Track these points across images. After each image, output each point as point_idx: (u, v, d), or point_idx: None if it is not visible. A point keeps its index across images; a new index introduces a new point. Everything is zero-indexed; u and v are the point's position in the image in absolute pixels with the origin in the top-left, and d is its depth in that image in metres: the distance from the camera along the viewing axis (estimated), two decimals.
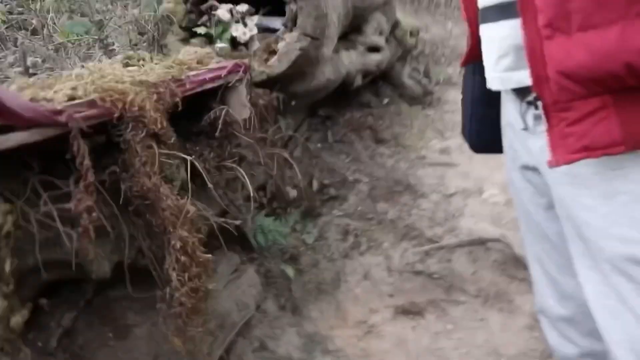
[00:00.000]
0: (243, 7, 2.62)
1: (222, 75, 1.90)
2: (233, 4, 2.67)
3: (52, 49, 2.55)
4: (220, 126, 1.81)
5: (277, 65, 2.52)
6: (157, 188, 1.44)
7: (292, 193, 2.93)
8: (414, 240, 2.86)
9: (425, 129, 3.94)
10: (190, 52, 2.24)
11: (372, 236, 2.92)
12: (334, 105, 3.89)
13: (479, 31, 1.11)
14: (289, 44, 2.53)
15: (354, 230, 2.95)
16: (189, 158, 1.52)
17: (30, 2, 4.17)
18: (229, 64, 2.03)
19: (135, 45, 2.70)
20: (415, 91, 4.37)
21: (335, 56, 3.38)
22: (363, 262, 2.76)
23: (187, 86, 1.70)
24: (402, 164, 3.51)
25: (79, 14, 4.74)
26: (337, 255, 2.81)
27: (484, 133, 1.32)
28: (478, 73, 1.20)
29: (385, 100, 4.12)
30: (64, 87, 1.45)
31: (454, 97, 4.45)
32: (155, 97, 1.51)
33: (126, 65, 2.11)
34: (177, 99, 1.56)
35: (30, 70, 2.44)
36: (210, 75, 1.86)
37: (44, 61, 2.50)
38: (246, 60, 2.23)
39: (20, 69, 2.36)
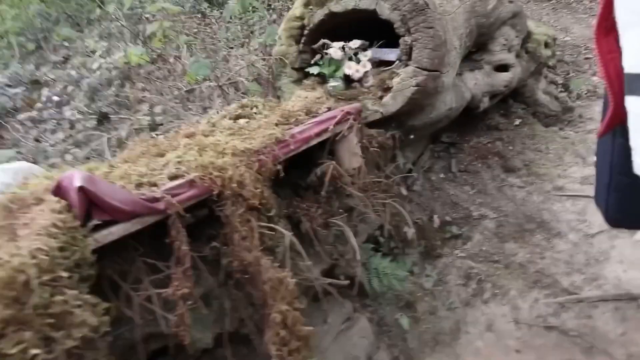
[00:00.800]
0: (355, 44, 2.52)
1: (330, 129, 1.82)
2: (346, 40, 2.59)
3: (176, 100, 2.68)
4: (327, 182, 1.72)
5: (391, 103, 2.39)
6: (257, 261, 1.39)
7: (410, 233, 2.76)
8: (547, 289, 2.52)
9: (564, 153, 3.50)
10: (301, 96, 2.21)
11: (498, 282, 2.64)
12: (458, 130, 3.64)
13: (622, 96, 0.90)
14: (403, 80, 2.39)
15: (478, 275, 2.69)
16: (288, 235, 1.45)
17: (167, 40, 4.52)
18: (338, 113, 1.94)
19: (251, 87, 2.74)
20: (552, 108, 3.93)
21: (458, 80, 3.15)
22: (487, 311, 2.50)
23: (292, 147, 1.64)
24: (535, 196, 3.15)
25: (209, 51, 5.05)
26: (458, 302, 2.59)
27: (627, 205, 1.08)
28: (620, 136, 0.99)
29: (517, 122, 3.75)
30: (172, 159, 1.47)
31: (600, 113, 3.91)
32: (256, 165, 1.46)
33: (237, 117, 2.13)
34: (279, 166, 1.51)
35: (159, 120, 2.61)
36: (317, 130, 1.78)
37: (172, 108, 2.64)
38: (358, 105, 2.13)
39: (148, 120, 2.53)
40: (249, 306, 1.50)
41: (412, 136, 2.89)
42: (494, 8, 3.24)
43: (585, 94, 4.21)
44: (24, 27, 8.08)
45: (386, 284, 2.56)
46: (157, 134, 2.39)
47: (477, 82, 3.39)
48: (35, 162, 3.49)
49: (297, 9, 2.53)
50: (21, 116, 4.38)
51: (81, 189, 1.04)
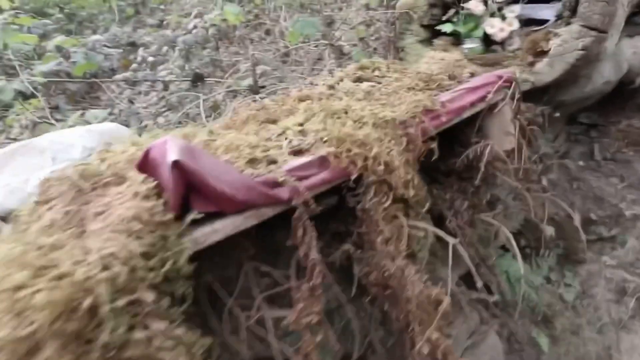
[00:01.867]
0: None
1: (487, 98, 1.38)
2: None
3: (280, 59, 2.33)
4: (482, 170, 1.30)
5: (547, 71, 1.89)
6: (402, 272, 1.02)
7: (549, 230, 2.27)
8: None
9: None
10: (435, 58, 1.78)
11: None
12: (600, 110, 3.03)
13: None
14: (565, 42, 1.88)
15: (635, 290, 2.17)
16: (451, 241, 1.05)
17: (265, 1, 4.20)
18: (493, 78, 1.49)
19: (369, 48, 2.33)
20: None
21: (615, 48, 2.56)
22: None
23: (443, 119, 1.23)
24: None
25: (308, 10, 4.67)
26: (609, 322, 2.10)
27: None
28: None
29: None
30: (290, 127, 1.12)
31: None
32: (404, 142, 1.07)
33: (358, 80, 1.74)
34: (433, 143, 1.11)
35: (259, 82, 2.29)
36: (471, 98, 1.36)
37: (274, 70, 2.30)
38: (512, 71, 1.67)
39: (250, 81, 2.21)
40: (380, 327, 1.13)
41: (557, 114, 2.37)
42: None
43: None
44: None
45: (518, 291, 2.11)
46: (260, 98, 2.07)
47: (637, 52, 2.76)
48: (127, 125, 3.33)
49: None
50: (117, 76, 4.27)
51: (177, 165, 0.71)
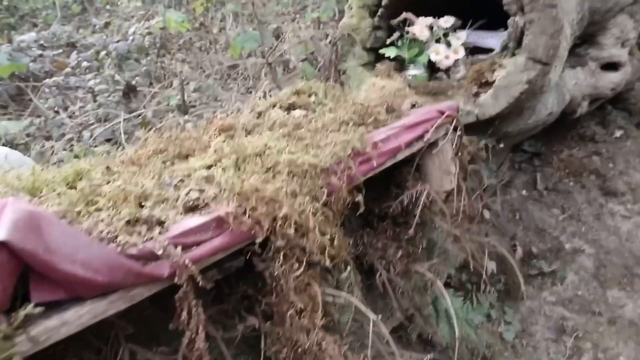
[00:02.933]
0: (448, 22, 1.95)
1: (426, 137, 1.27)
2: (435, 15, 2.02)
3: (216, 76, 2.17)
4: (418, 217, 1.18)
5: (491, 103, 1.81)
6: (319, 347, 0.87)
7: (491, 266, 2.20)
8: None
9: None
10: (376, 86, 1.66)
11: (601, 342, 2.07)
12: (543, 138, 3.02)
13: None
14: (510, 74, 1.80)
15: (574, 328, 2.12)
16: (372, 317, 0.91)
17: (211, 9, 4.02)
18: (433, 114, 1.38)
19: (318, 62, 2.19)
20: None
21: (558, 79, 2.53)
22: None
23: (374, 163, 1.10)
24: None
25: (256, 21, 4.51)
26: None
27: None
28: None
29: (617, 134, 3.10)
30: (196, 172, 0.95)
31: None
32: (324, 194, 0.93)
33: (291, 106, 1.60)
34: (359, 196, 0.97)
35: (192, 100, 2.11)
36: (408, 137, 1.24)
37: (209, 87, 2.13)
38: (454, 104, 1.57)
39: (178, 99, 2.02)
40: None
41: (501, 145, 2.31)
42: None
43: None
44: None
45: (458, 331, 2.01)
46: (186, 120, 1.89)
47: (578, 82, 2.75)
48: (49, 137, 3.06)
49: None
50: (47, 81, 3.97)
51: (6, 247, 0.53)
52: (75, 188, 0.97)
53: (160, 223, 0.76)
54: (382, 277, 1.13)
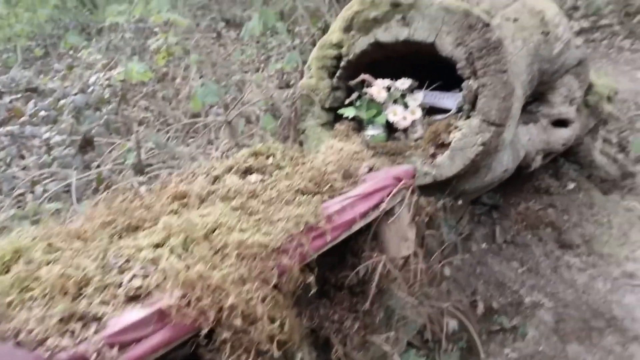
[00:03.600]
0: (404, 84, 2.00)
1: (381, 207, 1.27)
2: (392, 77, 2.07)
3: (177, 131, 2.15)
4: (373, 287, 1.16)
5: (448, 164, 1.84)
6: None
7: (452, 324, 2.18)
8: None
9: (629, 229, 2.94)
10: (333, 149, 1.67)
11: None
12: (501, 191, 3.08)
13: None
14: (465, 136, 1.85)
15: None
16: None
17: (172, 59, 4.02)
18: (389, 181, 1.39)
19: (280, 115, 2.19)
20: (610, 172, 3.38)
21: (513, 136, 2.61)
22: None
23: (328, 237, 1.09)
24: (601, 283, 2.58)
25: (217, 72, 4.53)
26: None
27: None
28: None
29: (570, 186, 3.20)
30: (143, 251, 0.92)
31: None
32: (274, 276, 0.90)
33: (248, 170, 1.58)
34: (311, 276, 0.95)
35: (146, 159, 2.07)
36: (364, 207, 1.23)
37: (164, 147, 2.10)
38: (410, 168, 1.59)
39: (134, 156, 1.98)
40: None
41: (460, 202, 2.34)
42: (560, 53, 2.72)
43: None
44: (36, 31, 7.73)
45: None
46: (141, 181, 1.85)
47: (532, 138, 2.85)
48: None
49: (334, 34, 2.01)
50: (1, 130, 3.85)
51: None
52: (10, 271, 0.92)
53: (98, 319, 0.72)
54: (338, 352, 1.10)
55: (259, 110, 3.13)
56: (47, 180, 2.66)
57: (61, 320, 0.70)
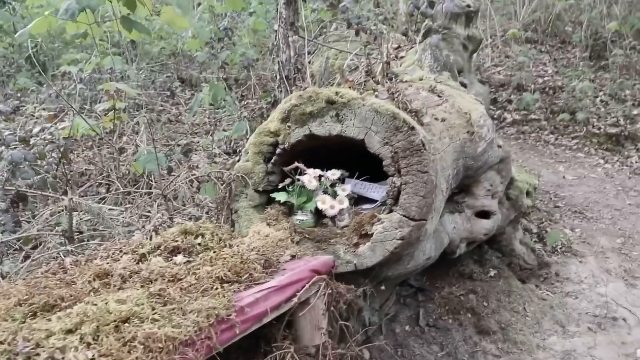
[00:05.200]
0: (335, 174, 2.14)
1: (294, 301, 1.35)
2: (324, 164, 2.21)
3: (115, 193, 2.18)
4: None
5: (368, 255, 1.96)
6: None
7: None
8: None
9: (542, 318, 3.14)
10: (260, 234, 1.75)
11: None
12: (428, 274, 3.24)
13: None
14: (386, 230, 1.98)
15: None
16: None
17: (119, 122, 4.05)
18: (305, 274, 1.48)
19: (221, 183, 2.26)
20: (528, 261, 3.62)
21: (437, 223, 2.79)
22: None
23: (237, 330, 1.15)
24: None
25: (166, 132, 4.60)
26: None
27: None
28: None
29: (492, 273, 3.40)
30: (54, 336, 0.95)
31: (577, 274, 3.64)
32: None
33: (175, 250, 1.64)
34: None
35: (76, 227, 2.08)
36: (276, 300, 1.31)
37: (95, 223, 2.12)
38: (329, 260, 1.69)
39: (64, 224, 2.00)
40: None
41: (382, 287, 2.46)
42: (484, 151, 2.99)
43: (560, 248, 3.95)
44: None
45: None
46: (68, 250, 1.86)
47: (456, 227, 3.05)
48: None
49: (272, 122, 2.15)
50: None
51: None
52: None
53: None
54: None
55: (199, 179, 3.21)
56: None
57: None
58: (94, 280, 1.37)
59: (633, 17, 7.58)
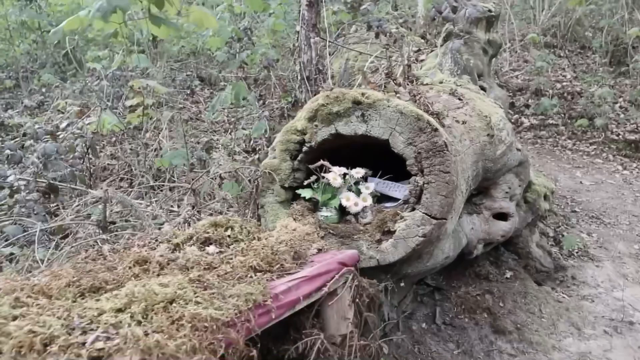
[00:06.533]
0: (359, 172, 2.20)
1: (324, 290, 1.42)
2: (349, 163, 2.28)
3: (141, 188, 2.27)
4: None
5: (391, 251, 2.02)
6: None
7: None
8: None
9: (558, 320, 3.17)
10: (288, 228, 1.82)
11: None
12: (445, 274, 3.29)
13: None
14: (409, 227, 2.04)
15: None
16: None
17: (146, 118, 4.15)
18: (333, 266, 1.55)
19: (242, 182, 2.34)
20: (544, 264, 3.65)
21: (456, 224, 2.84)
22: None
23: (273, 315, 1.22)
24: None
25: (189, 130, 4.70)
26: None
27: None
28: None
29: (508, 274, 3.44)
30: (105, 314, 1.03)
31: (594, 278, 3.66)
32: (222, 347, 1.03)
33: (206, 240, 1.72)
34: (253, 351, 1.08)
35: (110, 217, 2.17)
36: (307, 289, 1.38)
37: (129, 207, 2.21)
38: (354, 254, 1.76)
39: (99, 213, 2.08)
40: None
41: (402, 284, 2.51)
42: (503, 154, 3.03)
43: (577, 252, 3.97)
44: (9, 62, 7.76)
45: None
46: (104, 239, 1.95)
47: (474, 228, 3.10)
48: None
49: (299, 121, 2.22)
50: None
51: None
52: None
53: None
54: None
55: (223, 175, 3.29)
56: (5, 224, 2.69)
57: None
58: (134, 266, 1.44)
59: None
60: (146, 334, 0.95)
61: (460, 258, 3.10)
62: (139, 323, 1.02)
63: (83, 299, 1.22)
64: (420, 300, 3.15)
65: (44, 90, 6.74)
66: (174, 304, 1.09)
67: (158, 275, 1.40)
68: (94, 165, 3.95)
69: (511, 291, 3.32)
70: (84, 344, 0.95)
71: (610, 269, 3.72)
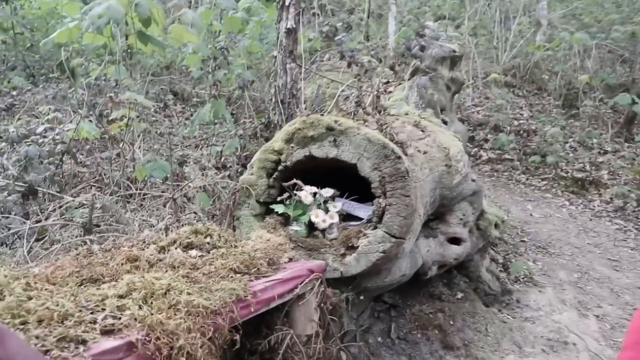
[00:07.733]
0: (328, 192, 2.43)
1: (295, 292, 1.62)
2: (319, 182, 2.50)
3: (119, 195, 2.42)
4: (281, 355, 1.48)
5: (354, 264, 2.24)
6: None
7: None
8: None
9: (502, 338, 3.44)
10: (262, 238, 2.02)
11: None
12: (401, 293, 3.52)
13: None
14: (370, 243, 2.27)
15: None
16: None
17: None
18: (304, 272, 1.76)
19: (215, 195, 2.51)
20: (493, 288, 3.94)
21: (413, 245, 3.10)
22: None
23: (252, 309, 1.42)
24: None
25: (162, 143, 4.83)
26: None
27: None
28: None
29: (459, 295, 3.71)
30: (110, 299, 1.21)
31: (536, 302, 3.97)
32: (210, 330, 1.22)
33: (189, 245, 1.90)
34: (237, 336, 1.27)
35: (94, 220, 2.31)
36: (280, 290, 1.58)
37: (111, 216, 2.36)
38: (322, 263, 1.97)
39: (84, 215, 2.23)
40: None
41: (362, 297, 2.73)
42: (459, 183, 3.32)
43: (523, 278, 4.29)
44: None
45: None
46: (91, 240, 2.09)
47: (430, 250, 3.36)
48: None
49: (276, 142, 2.44)
50: None
51: None
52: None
53: (84, 342, 1.00)
54: None
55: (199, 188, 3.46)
56: None
57: (59, 340, 0.96)
58: (126, 262, 1.61)
59: (603, 71, 8.16)
60: (151, 314, 1.13)
61: (415, 278, 3.35)
62: (140, 307, 1.20)
63: (85, 287, 1.39)
64: (377, 316, 3.37)
65: (14, 93, 6.72)
66: (170, 293, 1.27)
67: (148, 271, 1.57)
68: (64, 172, 4.03)
69: (461, 311, 3.58)
70: (95, 321, 1.13)
71: (551, 295, 4.05)
